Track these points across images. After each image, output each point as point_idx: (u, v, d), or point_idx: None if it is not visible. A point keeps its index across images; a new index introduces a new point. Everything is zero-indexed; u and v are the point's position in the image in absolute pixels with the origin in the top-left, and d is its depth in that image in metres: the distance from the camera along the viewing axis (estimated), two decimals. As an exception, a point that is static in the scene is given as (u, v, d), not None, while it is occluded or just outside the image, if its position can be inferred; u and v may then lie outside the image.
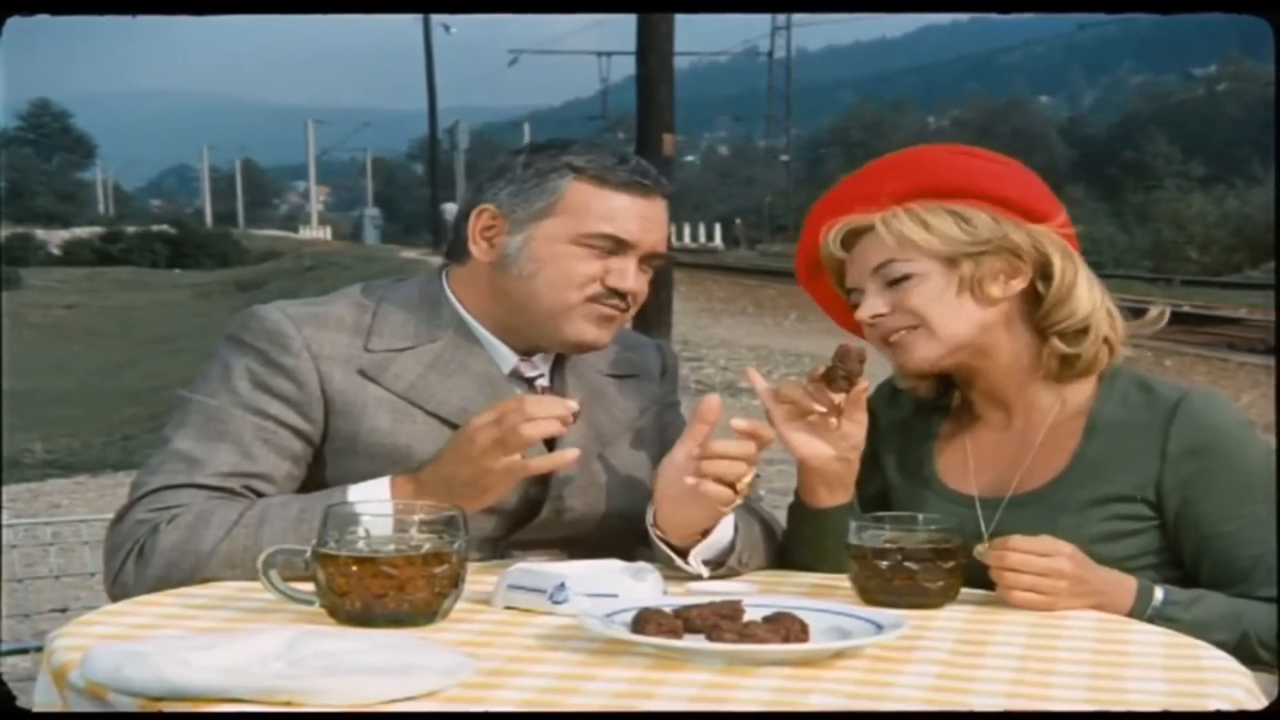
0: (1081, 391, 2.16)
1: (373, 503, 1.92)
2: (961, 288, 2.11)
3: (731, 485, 2.00)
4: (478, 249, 2.17)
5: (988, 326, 2.13)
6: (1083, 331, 2.13)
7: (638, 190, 2.14)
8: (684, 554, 2.05)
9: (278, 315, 2.13)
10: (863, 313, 2.15)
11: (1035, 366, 2.16)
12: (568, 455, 1.98)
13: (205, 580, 1.94)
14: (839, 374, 2.04)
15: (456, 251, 2.22)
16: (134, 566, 1.99)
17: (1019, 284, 2.13)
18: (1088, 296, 2.13)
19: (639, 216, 2.14)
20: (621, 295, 2.15)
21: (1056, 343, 2.13)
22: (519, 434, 1.93)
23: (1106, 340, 2.14)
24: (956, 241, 2.10)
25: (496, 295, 2.17)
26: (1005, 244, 2.11)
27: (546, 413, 1.94)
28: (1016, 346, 2.16)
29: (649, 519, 2.08)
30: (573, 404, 1.97)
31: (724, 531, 2.06)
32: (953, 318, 2.11)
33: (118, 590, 2.01)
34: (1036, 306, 2.14)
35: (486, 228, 2.17)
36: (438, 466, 2.00)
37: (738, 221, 63.59)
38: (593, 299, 2.13)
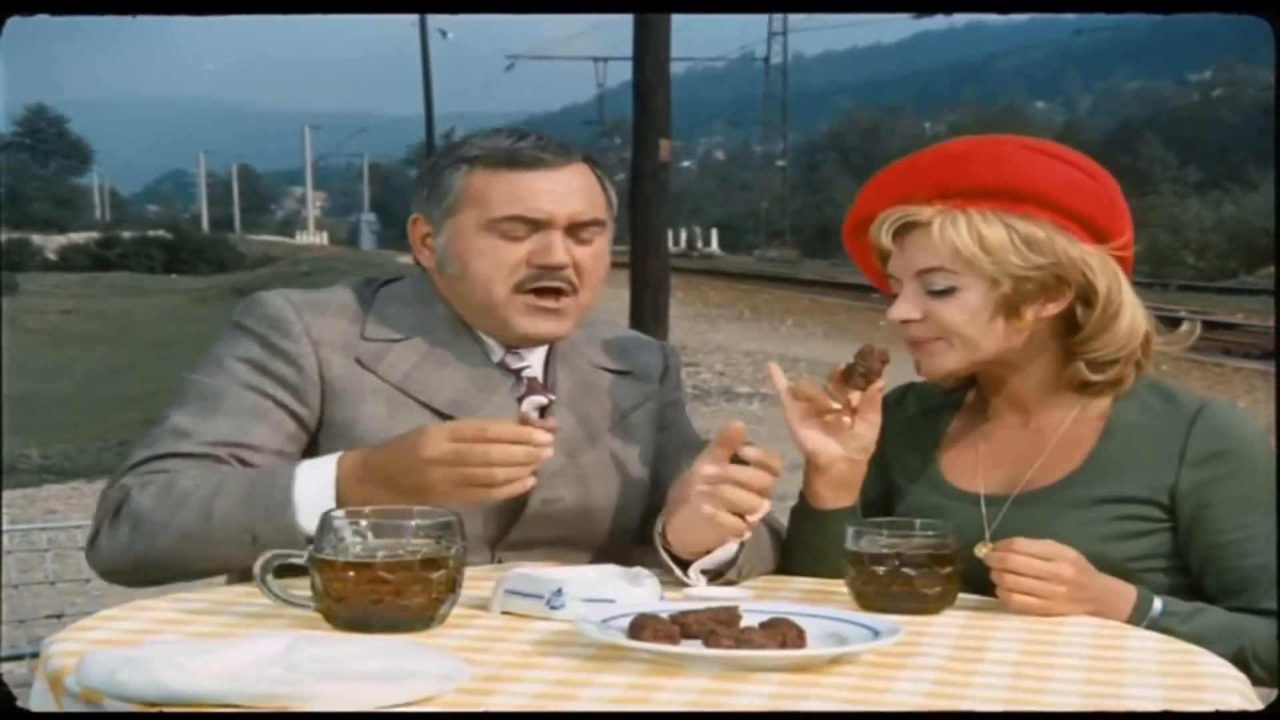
0: (1102, 398, 2.16)
1: (365, 510, 1.91)
2: (997, 309, 2.09)
3: (742, 515, 1.97)
4: (422, 257, 2.21)
5: (1014, 344, 2.12)
6: (1113, 361, 2.12)
7: (539, 165, 2.13)
8: (686, 563, 2.04)
9: (279, 301, 2.16)
10: (894, 314, 2.13)
11: (1058, 381, 2.15)
12: (527, 482, 1.91)
13: (162, 554, 1.97)
14: (858, 371, 2.06)
15: (417, 263, 2.25)
16: (107, 531, 2.03)
17: (1055, 309, 2.10)
18: (1128, 328, 2.10)
19: (545, 191, 2.12)
20: (555, 272, 2.12)
21: (1082, 367, 2.12)
22: (490, 488, 1.88)
23: (1136, 364, 2.13)
24: (1007, 263, 2.06)
25: (451, 295, 2.20)
26: (1055, 269, 2.07)
27: (508, 457, 1.86)
28: (1042, 361, 2.15)
29: (657, 528, 2.05)
30: (543, 435, 1.88)
31: (730, 547, 2.05)
32: (980, 336, 2.10)
33: (93, 556, 2.06)
34: (1071, 325, 2.12)
35: (423, 236, 2.20)
36: (385, 461, 1.93)
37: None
38: (521, 287, 2.12)
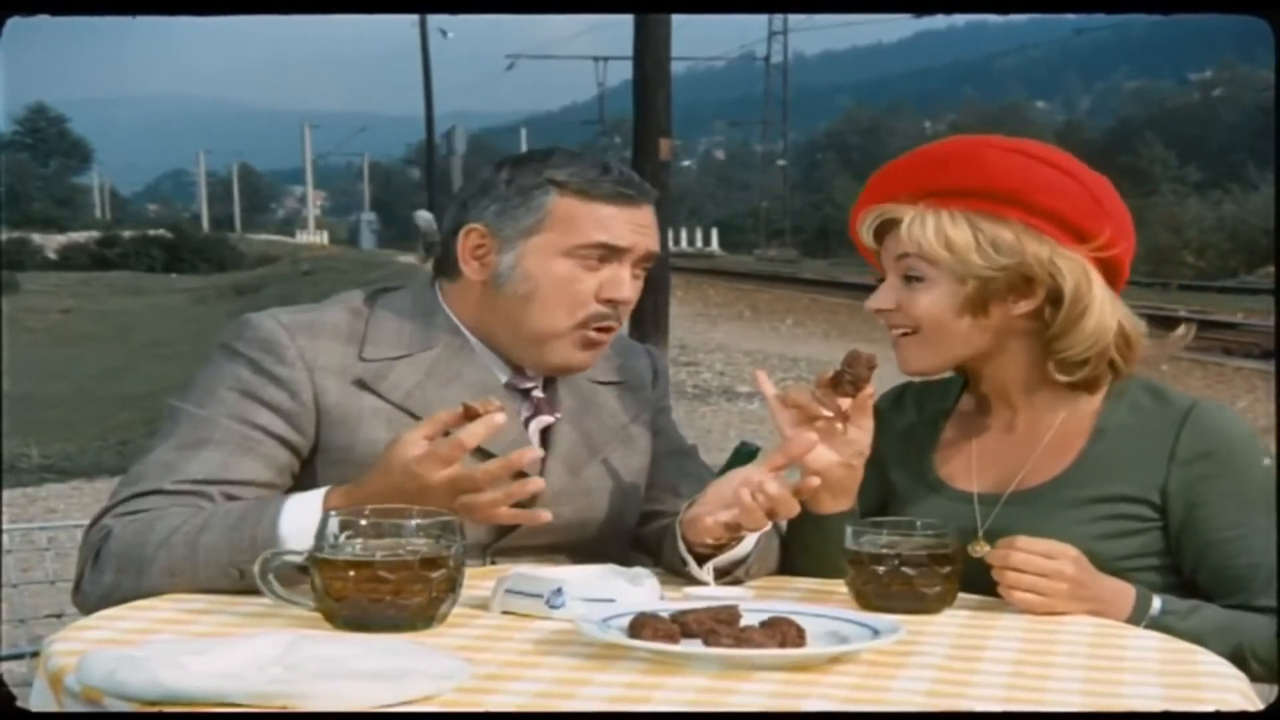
0: (1092, 397, 2.17)
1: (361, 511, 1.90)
2: (964, 306, 2.11)
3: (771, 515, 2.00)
4: (469, 269, 2.16)
5: (985, 342, 2.14)
6: (1082, 362, 2.12)
7: (623, 200, 2.13)
8: (701, 558, 2.05)
9: (271, 324, 2.11)
10: (871, 303, 2.19)
11: (1039, 377, 2.16)
12: (541, 515, 1.94)
13: (148, 590, 1.91)
14: (846, 378, 2.05)
15: (447, 269, 2.20)
16: (90, 575, 1.98)
17: (1025, 306, 2.11)
18: (1094, 329, 2.10)
19: (629, 223, 2.13)
20: (618, 307, 2.14)
21: (1052, 367, 2.13)
22: (457, 447, 1.87)
23: (1112, 364, 2.13)
24: (970, 263, 2.08)
25: (490, 312, 2.16)
26: (1020, 269, 2.08)
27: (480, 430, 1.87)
28: (1019, 358, 2.16)
29: (680, 514, 2.07)
30: (499, 416, 1.87)
31: (746, 546, 2.06)
32: (948, 332, 2.12)
33: (79, 599, 2.00)
34: (1043, 322, 2.12)
35: (476, 247, 2.15)
36: (377, 495, 1.88)
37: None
38: (584, 323, 2.12)
